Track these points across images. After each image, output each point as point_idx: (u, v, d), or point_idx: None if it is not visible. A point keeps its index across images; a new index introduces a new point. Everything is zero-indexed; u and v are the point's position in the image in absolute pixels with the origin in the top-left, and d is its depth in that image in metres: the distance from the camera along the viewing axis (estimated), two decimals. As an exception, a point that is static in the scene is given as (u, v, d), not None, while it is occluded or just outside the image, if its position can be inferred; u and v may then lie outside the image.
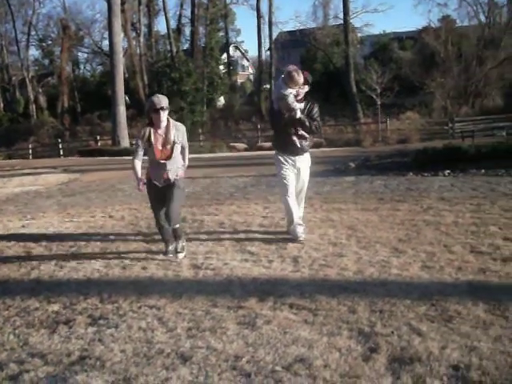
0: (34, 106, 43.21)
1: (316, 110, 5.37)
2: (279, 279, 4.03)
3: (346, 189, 8.51)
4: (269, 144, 24.20)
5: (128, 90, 33.30)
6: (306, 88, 5.24)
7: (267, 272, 4.23)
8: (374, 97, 28.28)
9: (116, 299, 3.72)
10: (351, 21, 37.24)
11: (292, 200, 5.25)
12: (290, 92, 5.04)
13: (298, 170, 5.35)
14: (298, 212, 5.32)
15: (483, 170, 9.21)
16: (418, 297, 3.46)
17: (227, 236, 5.55)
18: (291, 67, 5.19)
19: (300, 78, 5.05)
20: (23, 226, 6.93)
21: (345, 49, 35.58)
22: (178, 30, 44.55)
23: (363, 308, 3.32)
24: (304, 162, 5.42)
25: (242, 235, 5.54)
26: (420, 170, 9.79)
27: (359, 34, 42.96)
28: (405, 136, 22.32)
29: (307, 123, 5.21)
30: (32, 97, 43.55)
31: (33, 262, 4.99)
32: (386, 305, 3.36)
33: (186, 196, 8.69)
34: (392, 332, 2.96)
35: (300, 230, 5.19)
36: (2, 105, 46.43)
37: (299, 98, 5.16)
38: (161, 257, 4.81)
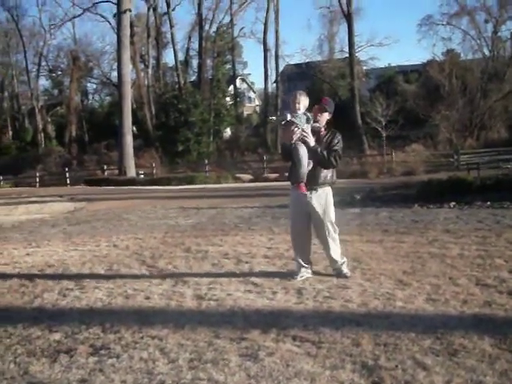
0: (42, 135, 43.67)
1: (337, 140, 4.89)
2: (283, 311, 4.00)
3: (351, 220, 8.50)
4: (274, 175, 24.33)
5: (135, 121, 33.66)
6: (326, 115, 4.95)
7: (271, 303, 4.20)
8: (380, 129, 28.47)
9: (118, 329, 3.70)
10: (356, 54, 37.81)
11: (294, 235, 5.12)
12: (296, 115, 4.71)
13: (310, 206, 4.90)
14: (303, 251, 5.04)
15: (489, 202, 9.20)
16: (422, 330, 3.42)
17: (231, 267, 5.53)
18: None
19: (302, 99, 4.77)
20: (28, 254, 6.94)
21: (350, 81, 36.00)
22: (186, 62, 45.23)
23: (367, 341, 3.29)
24: (317, 197, 4.91)
25: (246, 266, 5.52)
26: (425, 201, 9.79)
27: (364, 67, 43.49)
28: (410, 168, 22.36)
29: (322, 154, 4.73)
30: (41, 126, 44.06)
31: (36, 290, 4.98)
32: (390, 338, 3.32)
33: (191, 226, 8.75)
34: (396, 366, 2.92)
35: (301, 271, 4.95)
36: (10, 133, 46.96)
37: (319, 126, 4.85)
38: (164, 287, 4.79)
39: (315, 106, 5.00)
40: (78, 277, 5.44)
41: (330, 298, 4.26)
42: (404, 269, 5.10)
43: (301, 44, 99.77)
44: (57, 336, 3.66)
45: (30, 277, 5.56)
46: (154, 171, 29.02)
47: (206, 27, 42.94)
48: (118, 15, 28.19)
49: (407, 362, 2.97)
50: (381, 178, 20.63)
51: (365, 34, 70.58)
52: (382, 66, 44.94)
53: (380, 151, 28.18)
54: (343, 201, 11.16)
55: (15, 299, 4.74)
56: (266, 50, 41.22)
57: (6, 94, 51.25)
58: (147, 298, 4.48)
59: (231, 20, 42.76)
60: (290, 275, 4.96)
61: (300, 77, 43.04)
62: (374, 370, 2.88)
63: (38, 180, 31.26)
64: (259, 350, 3.21)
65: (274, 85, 42.96)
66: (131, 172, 27.32)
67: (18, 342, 3.59)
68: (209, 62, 43.67)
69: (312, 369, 2.93)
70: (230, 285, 4.80)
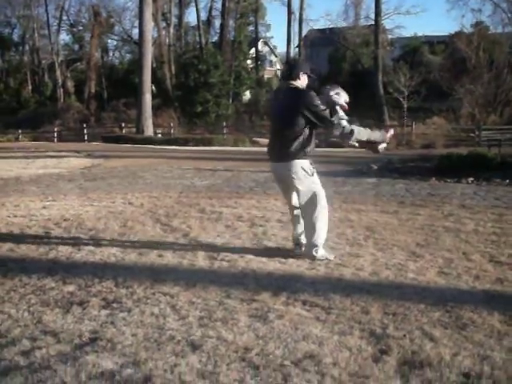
0: (61, 90, 43.74)
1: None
2: (294, 275, 4.02)
3: (367, 190, 8.46)
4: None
5: (155, 80, 33.54)
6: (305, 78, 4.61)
7: (282, 267, 4.22)
8: (401, 100, 28.08)
9: (131, 284, 3.75)
10: (382, 22, 36.99)
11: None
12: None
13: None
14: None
15: (507, 180, 9.08)
16: (432, 302, 3.42)
17: (245, 229, 5.55)
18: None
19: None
20: (44, 207, 7.02)
21: (374, 50, 35.35)
22: (208, 22, 44.69)
23: (376, 309, 3.30)
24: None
25: (259, 229, 5.54)
26: (443, 175, 9.69)
27: (390, 36, 42.67)
28: (429, 141, 22.13)
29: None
30: (60, 81, 44.08)
31: (51, 243, 5.05)
32: (399, 308, 3.33)
33: (206, 187, 8.77)
34: (404, 335, 2.93)
35: (296, 249, 4.65)
36: (30, 87, 47.07)
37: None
38: (177, 246, 4.84)
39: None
40: (92, 231, 5.51)
41: (341, 266, 4.26)
42: (417, 241, 5.08)
43: (326, 9, 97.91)
44: (70, 288, 3.72)
45: (46, 229, 5.64)
46: (172, 131, 29.03)
47: (231, -13, 42.27)
48: (142, -29, 27.74)
49: (415, 332, 2.97)
50: (399, 150, 20.44)
51: (392, 1, 69.14)
52: (408, 36, 44.05)
53: (400, 122, 27.85)
54: (360, 170, 11.10)
55: (31, 251, 4.81)
56: (289, 13, 40.52)
57: (27, 47, 51.17)
58: (160, 255, 4.52)
59: (256, -19, 42.01)
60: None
61: (323, 42, 42.41)
62: (381, 338, 2.90)
63: (56, 135, 31.47)
64: (269, 312, 3.24)
65: (297, 49, 42.34)
66: (149, 131, 27.36)
67: (32, 292, 3.66)
68: (231, 22, 43.14)
69: (320, 333, 2.95)
70: (242, 247, 4.82)
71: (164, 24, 44.02)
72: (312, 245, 4.41)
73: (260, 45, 47.32)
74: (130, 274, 3.99)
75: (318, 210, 4.43)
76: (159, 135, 28.36)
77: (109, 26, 47.66)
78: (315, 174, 4.48)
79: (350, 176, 10.24)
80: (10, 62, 49.94)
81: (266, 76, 47.58)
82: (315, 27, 44.21)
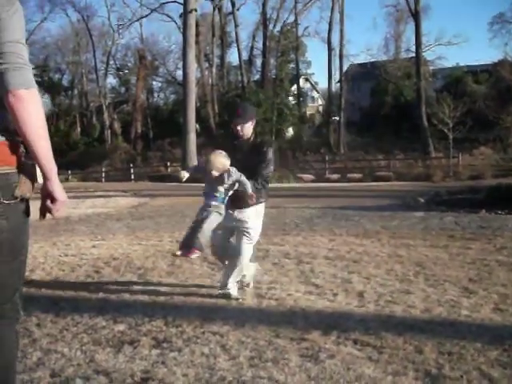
0: (109, 132, 45.11)
1: (269, 155, 4.50)
2: (343, 313, 3.96)
3: (415, 224, 8.32)
4: (336, 176, 24.11)
5: (199, 119, 34.19)
6: (249, 125, 4.53)
7: (331, 305, 4.17)
8: (446, 131, 27.69)
9: (180, 323, 3.76)
10: (423, 53, 36.86)
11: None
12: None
13: None
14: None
15: (562, 211, 8.78)
16: (489, 340, 3.30)
17: (292, 267, 5.53)
18: None
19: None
20: (94, 247, 7.17)
21: (416, 82, 35.16)
22: (250, 62, 45.55)
23: (430, 349, 3.20)
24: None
25: (306, 267, 5.50)
26: (493, 207, 9.45)
27: (431, 67, 42.42)
28: (477, 172, 21.65)
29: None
30: (107, 122, 45.52)
31: (101, 282, 5.14)
32: (454, 347, 3.22)
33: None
34: (461, 376, 2.83)
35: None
36: (79, 129, 48.75)
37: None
38: (225, 284, 4.84)
39: (232, 122, 4.58)
40: (141, 270, 5.58)
41: (392, 303, 4.18)
42: (470, 276, 4.95)
43: (366, 43, 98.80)
44: (121, 327, 3.76)
45: (96, 268, 5.75)
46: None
47: (271, 26, 43.21)
48: (184, 15, 28.69)
49: (472, 372, 2.87)
50: (446, 182, 20.08)
51: (432, 32, 68.86)
52: (450, 66, 43.70)
53: (446, 154, 27.40)
54: (407, 204, 10.95)
55: (82, 290, 4.90)
56: (330, 50, 40.92)
57: (76, 91, 53.27)
58: (209, 294, 4.54)
59: (295, 19, 42.76)
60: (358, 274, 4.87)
61: (364, 76, 42.56)
62: (437, 378, 2.81)
63: (103, 175, 32.32)
64: (320, 352, 3.19)
65: (338, 84, 42.58)
66: (194, 169, 27.77)
67: (84, 331, 3.71)
68: (272, 61, 43.83)
69: (373, 374, 2.88)
70: (290, 285, 4.80)
71: (207, 64, 45.20)
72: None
73: (301, 81, 47.82)
74: (179, 313, 4.02)
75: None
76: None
77: (153, 69, 49.22)
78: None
79: (397, 210, 10.10)
80: (61, 105, 51.95)
81: (308, 112, 47.95)
82: (356, 62, 44.47)
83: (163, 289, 4.77)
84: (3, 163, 1.85)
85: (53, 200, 1.98)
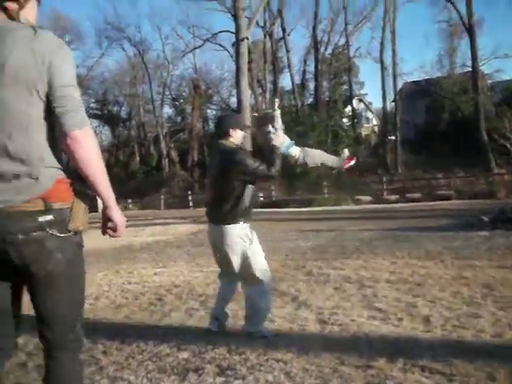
0: (166, 160, 46.15)
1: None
2: (409, 339, 3.85)
3: (479, 244, 8.04)
4: (395, 197, 23.66)
5: (254, 145, 34.48)
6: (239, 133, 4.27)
7: (396, 330, 4.06)
8: (508, 146, 26.79)
9: (243, 350, 3.75)
10: (480, 67, 35.97)
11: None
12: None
13: None
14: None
15: None
16: None
17: (354, 291, 5.43)
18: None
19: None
20: (155, 274, 7.30)
21: (474, 96, 34.29)
22: (302, 85, 45.78)
23: (504, 376, 3.06)
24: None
25: (369, 291, 5.40)
26: None
27: (489, 81, 41.30)
28: (544, 187, 20.79)
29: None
30: (165, 151, 46.61)
31: (164, 309, 5.21)
32: (530, 373, 3.07)
33: (311, 249, 8.71)
34: (540, 405, 2.69)
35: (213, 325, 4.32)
36: (137, 159, 50.14)
37: None
38: (287, 310, 4.81)
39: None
40: (202, 297, 5.62)
41: (459, 327, 4.03)
42: (543, 298, 4.72)
43: (419, 60, 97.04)
44: (185, 354, 3.79)
45: (159, 296, 5.84)
46: (273, 194, 29.44)
47: (322, 49, 43.39)
48: (236, 44, 29.23)
49: (552, 401, 2.72)
50: (511, 198, 19.35)
51: (488, 45, 67.45)
52: (508, 79, 42.43)
53: (508, 169, 26.48)
54: (469, 223, 10.60)
55: (145, 317, 4.99)
56: (383, 69, 40.56)
57: (134, 122, 54.99)
58: (271, 320, 4.51)
59: (347, 41, 42.76)
60: (422, 297, 4.73)
61: (419, 94, 41.87)
62: (513, 408, 2.68)
63: (162, 203, 32.95)
64: (386, 380, 3.11)
65: (393, 104, 42.10)
66: (251, 194, 27.93)
67: (149, 359, 3.76)
68: (325, 83, 43.92)
69: (444, 403, 2.78)
70: (353, 310, 4.71)
71: (260, 90, 45.71)
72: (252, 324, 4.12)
73: (355, 102, 47.55)
74: (242, 340, 4.01)
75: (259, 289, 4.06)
76: (261, 198, 28.86)
77: (208, 97, 50.23)
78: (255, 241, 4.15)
79: (460, 229, 9.81)
80: (120, 136, 53.71)
81: (363, 133, 47.52)
82: (410, 80, 43.87)
83: (224, 315, 4.77)
84: (57, 199, 1.96)
85: (113, 224, 2.09)
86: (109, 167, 44.05)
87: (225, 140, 4.11)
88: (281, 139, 4.23)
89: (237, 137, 4.14)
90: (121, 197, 35.04)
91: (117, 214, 2.08)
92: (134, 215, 24.31)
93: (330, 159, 4.66)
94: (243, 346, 3.86)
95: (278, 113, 4.37)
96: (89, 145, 1.94)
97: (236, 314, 4.76)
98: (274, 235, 11.21)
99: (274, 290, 5.63)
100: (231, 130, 4.09)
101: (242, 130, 4.18)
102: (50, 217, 1.93)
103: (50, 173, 1.96)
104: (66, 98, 1.91)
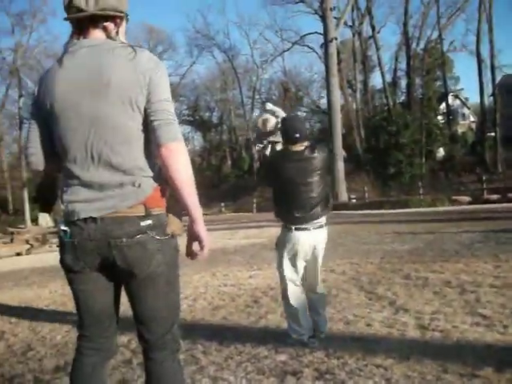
0: (257, 163, 46.56)
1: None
2: (518, 347, 3.64)
3: None
4: (496, 196, 22.48)
5: (345, 146, 34.16)
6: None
7: (503, 338, 3.85)
8: None
9: (341, 355, 3.71)
10: None
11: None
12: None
13: None
14: None
15: None
16: None
17: (455, 296, 5.22)
18: None
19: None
20: (251, 277, 7.40)
21: None
22: (394, 83, 44.72)
23: None
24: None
25: (471, 296, 5.16)
26: None
27: None
28: None
29: None
30: (256, 155, 47.09)
31: (260, 312, 5.27)
32: None
33: (408, 252, 8.47)
34: None
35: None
36: (229, 163, 51.14)
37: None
38: (384, 314, 4.71)
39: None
40: (298, 300, 5.61)
41: None
42: None
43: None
44: (282, 357, 3.81)
45: (255, 298, 5.91)
46: (366, 195, 28.98)
47: (413, 45, 42.15)
48: (325, 45, 29.09)
49: None
50: None
51: None
52: None
53: None
54: None
55: (242, 319, 5.06)
56: (479, 62, 38.74)
57: (225, 127, 56.20)
58: (368, 324, 4.44)
59: (439, 35, 41.26)
60: None
61: (521, 87, 39.63)
62: None
63: (255, 206, 33.36)
64: (495, 390, 2.96)
65: (491, 98, 40.08)
66: (343, 196, 27.68)
67: (247, 360, 3.81)
68: (418, 80, 42.64)
69: (561, 417, 2.60)
70: (454, 315, 4.52)
71: (350, 91, 45.17)
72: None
73: (450, 99, 45.80)
74: (339, 344, 3.97)
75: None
76: (353, 200, 28.50)
77: (298, 99, 50.40)
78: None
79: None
80: (211, 141, 55.05)
81: (459, 130, 45.64)
82: (509, 72, 41.62)
83: (321, 319, 4.74)
84: (155, 205, 2.08)
85: (198, 242, 2.15)
86: (201, 171, 45.29)
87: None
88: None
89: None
90: (214, 200, 35.93)
91: (203, 230, 2.12)
92: (227, 218, 24.84)
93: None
94: (341, 349, 3.82)
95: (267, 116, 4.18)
96: (182, 158, 2.04)
97: (332, 317, 4.72)
98: (370, 238, 11.03)
99: (370, 294, 5.55)
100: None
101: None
102: (150, 221, 2.06)
103: (149, 181, 2.09)
104: (163, 112, 2.04)
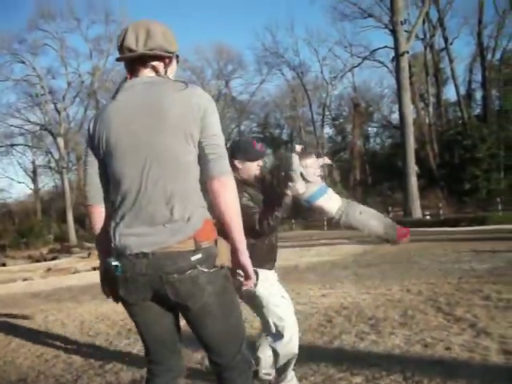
0: (328, 180, 46.35)
1: None
2: None
3: None
4: None
5: (418, 160, 33.38)
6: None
7: None
8: None
9: (420, 379, 3.59)
10: None
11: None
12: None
13: None
14: None
15: None
16: None
17: (542, 319, 4.94)
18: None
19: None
20: (323, 295, 7.31)
21: None
22: (468, 96, 43.38)
23: None
24: None
25: (559, 319, 4.87)
26: None
27: None
28: None
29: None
30: (326, 171, 46.84)
31: (334, 331, 5.19)
32: None
33: (488, 271, 8.12)
34: None
35: None
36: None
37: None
38: (464, 337, 4.52)
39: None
40: (372, 320, 5.50)
41: None
42: None
43: None
44: (358, 379, 3.73)
45: (327, 317, 5.83)
46: (441, 212, 28.11)
47: (489, 56, 40.71)
48: (396, 59, 28.70)
49: None
50: None
51: None
52: None
53: None
54: None
55: (316, 338, 5.00)
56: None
57: (295, 144, 56.25)
58: (447, 348, 4.27)
59: (517, 44, 39.69)
60: None
61: None
62: None
63: (325, 223, 33.04)
64: None
65: None
66: (417, 213, 27.01)
67: (322, 381, 3.76)
68: (494, 92, 41.10)
69: None
70: (541, 340, 4.28)
71: (422, 104, 44.17)
72: None
73: (530, 110, 43.81)
74: (417, 367, 3.84)
75: None
76: (427, 217, 27.71)
77: (368, 115, 49.81)
78: None
79: None
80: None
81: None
82: None
83: (397, 341, 4.62)
84: (205, 238, 2.12)
85: (244, 272, 2.22)
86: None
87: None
88: (300, 186, 3.34)
89: (245, 170, 3.39)
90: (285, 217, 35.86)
91: (246, 260, 2.19)
92: (298, 235, 24.76)
93: (381, 226, 3.56)
94: (419, 373, 3.69)
95: (296, 157, 3.37)
96: (232, 191, 2.12)
97: (409, 339, 4.59)
98: (446, 256, 10.66)
99: (449, 316, 5.36)
100: (236, 162, 3.33)
101: (253, 160, 3.41)
102: (199, 255, 2.09)
103: (200, 213, 2.14)
104: (215, 147, 2.12)
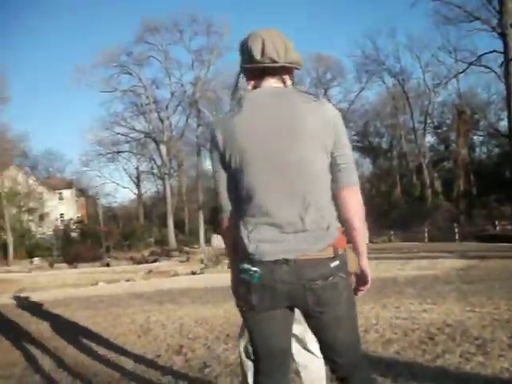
0: (429, 190, 44.86)
1: None
2: None
3: None
4: None
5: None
6: None
7: None
8: None
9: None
10: None
11: None
12: None
13: None
14: None
15: None
16: None
17: None
18: None
19: None
20: (424, 311, 7.02)
21: None
22: None
23: None
24: None
25: None
26: None
27: None
28: None
29: None
30: (428, 181, 45.39)
31: (437, 350, 4.95)
32: None
33: None
34: None
35: None
36: (399, 189, 49.79)
37: None
38: None
39: None
40: (479, 341, 5.19)
41: None
42: None
43: None
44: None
45: (430, 335, 5.58)
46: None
47: None
48: (505, 63, 27.33)
49: None
50: None
51: None
52: None
53: None
54: None
55: (417, 356, 4.80)
56: None
57: (395, 153, 54.94)
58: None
59: None
60: None
61: None
62: None
63: (426, 235, 31.97)
64: None
65: None
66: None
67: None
68: None
69: None
70: None
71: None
72: None
73: None
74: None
75: None
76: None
77: (474, 123, 47.65)
78: None
79: None
80: (381, 167, 54.17)
81: None
82: None
83: (506, 364, 4.32)
84: (340, 246, 2.19)
85: (364, 276, 2.31)
86: (370, 198, 44.66)
87: None
88: None
89: None
90: (383, 228, 35.13)
91: (367, 265, 2.30)
92: (397, 247, 24.10)
93: None
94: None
95: None
96: (360, 199, 2.22)
97: (510, 369, 4.28)
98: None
99: None
100: None
101: None
102: (337, 262, 2.15)
103: (335, 222, 2.21)
104: (346, 157, 2.21)
